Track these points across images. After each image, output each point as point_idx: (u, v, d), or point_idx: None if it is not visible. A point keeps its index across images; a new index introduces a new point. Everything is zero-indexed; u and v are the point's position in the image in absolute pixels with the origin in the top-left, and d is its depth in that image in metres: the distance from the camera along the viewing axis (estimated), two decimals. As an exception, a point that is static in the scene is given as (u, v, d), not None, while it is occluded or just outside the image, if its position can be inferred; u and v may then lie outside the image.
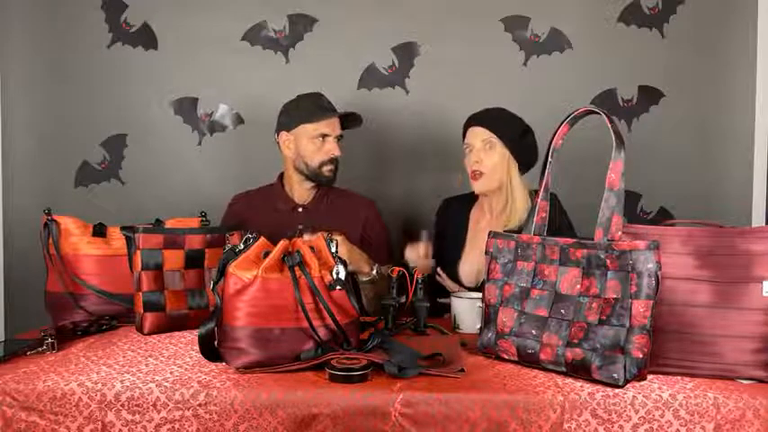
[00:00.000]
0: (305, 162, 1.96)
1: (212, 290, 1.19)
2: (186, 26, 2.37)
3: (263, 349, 1.14)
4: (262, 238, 1.22)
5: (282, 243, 1.20)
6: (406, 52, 2.36)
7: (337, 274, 1.21)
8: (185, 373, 1.14)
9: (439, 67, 2.34)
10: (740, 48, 2.31)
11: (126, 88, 2.39)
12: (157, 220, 1.59)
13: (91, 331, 1.42)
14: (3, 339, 1.74)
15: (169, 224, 1.55)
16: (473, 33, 2.33)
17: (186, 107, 2.40)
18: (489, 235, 1.31)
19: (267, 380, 1.09)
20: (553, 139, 1.25)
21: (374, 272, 1.81)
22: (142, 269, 1.44)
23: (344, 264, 1.24)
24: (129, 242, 1.47)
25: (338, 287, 1.21)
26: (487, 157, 1.81)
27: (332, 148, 1.95)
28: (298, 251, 1.19)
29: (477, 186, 1.85)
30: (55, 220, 1.52)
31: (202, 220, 1.62)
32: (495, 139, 1.80)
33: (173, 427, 1.04)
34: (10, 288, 2.42)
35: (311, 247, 1.23)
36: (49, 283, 1.54)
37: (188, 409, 1.04)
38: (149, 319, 1.43)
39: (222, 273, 1.17)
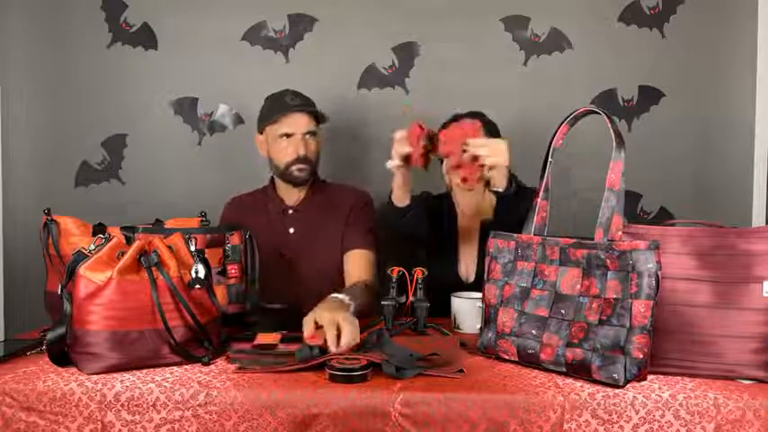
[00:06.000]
0: (275, 164, 1.90)
1: (60, 293, 1.15)
2: (186, 26, 2.36)
3: (121, 353, 1.12)
4: (116, 238, 1.18)
5: (138, 243, 1.16)
6: (406, 52, 2.36)
7: (196, 272, 1.20)
8: (185, 373, 1.14)
9: (439, 67, 2.34)
10: (740, 47, 2.30)
11: (126, 88, 2.38)
12: (157, 220, 1.59)
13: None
14: (3, 339, 1.74)
15: (169, 224, 1.55)
16: (473, 33, 2.32)
17: (186, 107, 2.39)
18: (490, 235, 1.31)
19: (267, 380, 1.09)
20: (553, 139, 1.25)
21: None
22: (142, 269, 1.43)
23: (205, 262, 1.23)
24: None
25: (197, 286, 1.20)
26: None
27: (296, 148, 1.83)
28: (155, 251, 1.17)
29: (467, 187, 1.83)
30: (55, 220, 1.51)
31: (202, 220, 1.62)
32: None
33: (172, 427, 1.04)
34: (10, 288, 2.41)
35: (169, 247, 1.20)
36: (49, 283, 1.53)
37: (188, 410, 1.04)
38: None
39: (71, 275, 1.13)
